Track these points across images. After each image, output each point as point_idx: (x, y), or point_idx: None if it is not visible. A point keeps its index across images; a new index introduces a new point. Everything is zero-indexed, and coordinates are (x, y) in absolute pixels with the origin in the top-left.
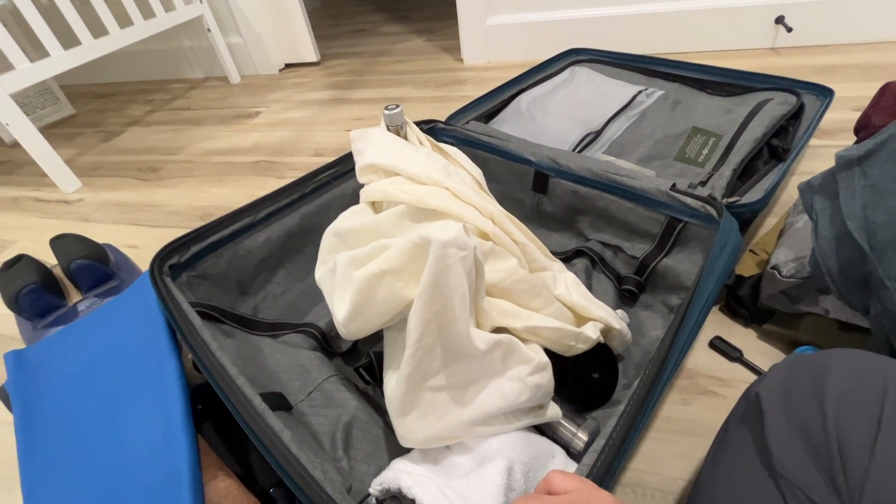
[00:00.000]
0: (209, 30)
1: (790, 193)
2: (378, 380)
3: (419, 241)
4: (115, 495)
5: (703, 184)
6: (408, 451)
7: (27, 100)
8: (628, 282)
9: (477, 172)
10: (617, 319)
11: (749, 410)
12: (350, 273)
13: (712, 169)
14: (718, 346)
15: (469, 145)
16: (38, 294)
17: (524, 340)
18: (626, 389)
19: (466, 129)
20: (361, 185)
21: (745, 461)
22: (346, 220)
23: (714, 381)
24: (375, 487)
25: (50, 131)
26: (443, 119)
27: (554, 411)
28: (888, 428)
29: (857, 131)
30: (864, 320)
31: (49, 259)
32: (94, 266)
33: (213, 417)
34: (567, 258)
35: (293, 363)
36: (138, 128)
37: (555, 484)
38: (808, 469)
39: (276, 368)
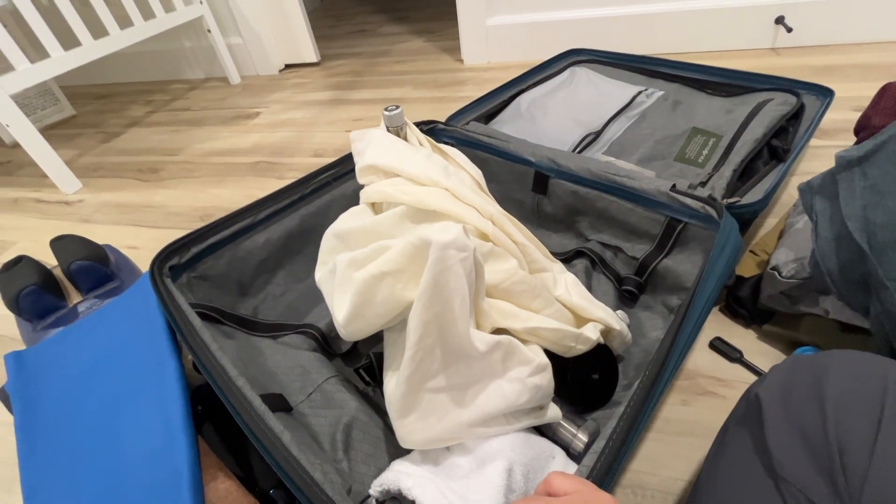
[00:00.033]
0: (209, 30)
1: (790, 194)
2: (378, 381)
3: (419, 242)
4: (115, 496)
5: (703, 184)
6: (408, 452)
7: (27, 100)
8: (628, 282)
9: (477, 173)
10: (617, 320)
11: (749, 411)
12: (350, 274)
13: (712, 169)
14: (718, 346)
15: (469, 146)
16: (39, 295)
17: (524, 341)
18: (626, 390)
19: (466, 130)
20: (361, 186)
21: (744, 462)
22: (346, 221)
23: (714, 381)
24: (375, 489)
25: (50, 132)
26: (443, 120)
27: (554, 412)
28: (888, 429)
29: (857, 132)
30: (864, 321)
31: (49, 260)
32: (94, 267)
33: (214, 418)
34: (567, 259)
35: (293, 364)
36: (138, 128)
37: (555, 485)
38: (807, 470)
39: (276, 369)
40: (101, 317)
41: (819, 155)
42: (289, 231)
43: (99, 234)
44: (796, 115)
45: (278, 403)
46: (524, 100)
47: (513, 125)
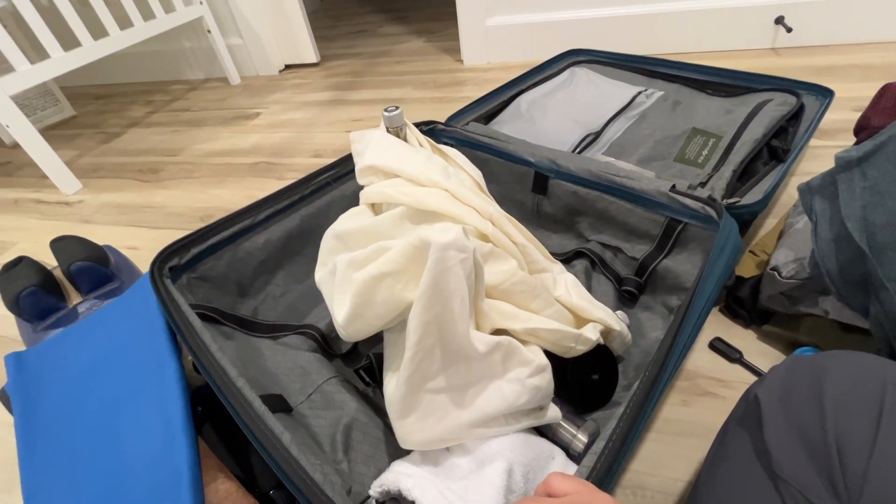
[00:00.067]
0: (209, 31)
1: (790, 194)
2: (378, 381)
3: (418, 243)
4: (114, 497)
5: (702, 185)
6: (408, 452)
7: (27, 101)
8: (628, 283)
9: (476, 174)
10: (617, 321)
11: (748, 412)
12: (350, 275)
13: (712, 170)
14: (718, 347)
15: (469, 146)
16: (39, 296)
17: (524, 342)
18: (626, 391)
19: (466, 131)
20: (361, 187)
21: (744, 463)
22: (346, 221)
23: (714, 382)
24: (375, 489)
25: (50, 133)
26: (442, 120)
27: (554, 413)
28: (887, 429)
29: (856, 132)
30: (864, 321)
31: (49, 261)
32: (94, 268)
33: (214, 419)
34: (567, 259)
35: (293, 365)
36: (138, 129)
37: (554, 486)
38: (806, 471)
39: (275, 370)
40: (101, 317)
41: (819, 155)
42: (289, 232)
43: (99, 235)
44: (796, 116)
45: (278, 404)
46: (524, 100)
47: (513, 126)
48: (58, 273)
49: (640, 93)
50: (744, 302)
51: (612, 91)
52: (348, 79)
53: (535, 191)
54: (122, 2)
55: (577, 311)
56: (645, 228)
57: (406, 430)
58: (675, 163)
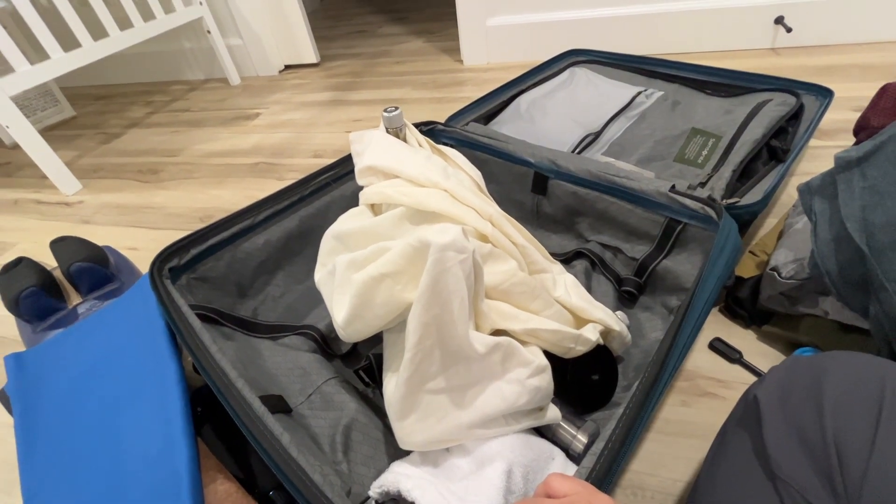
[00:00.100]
0: (209, 31)
1: (790, 194)
2: (378, 382)
3: (418, 244)
4: (114, 498)
5: (702, 185)
6: (407, 453)
7: (27, 102)
8: (628, 283)
9: (476, 174)
10: (616, 321)
11: (747, 413)
12: (349, 276)
13: (712, 170)
14: (718, 347)
15: (468, 147)
16: (38, 297)
17: (523, 343)
18: (626, 391)
19: (466, 131)
20: (361, 188)
21: (743, 464)
22: (346, 222)
23: (714, 382)
24: (375, 490)
25: (50, 133)
26: (442, 120)
27: (553, 413)
28: (886, 430)
29: (856, 132)
30: (863, 322)
31: (49, 261)
32: (94, 269)
33: (213, 420)
34: (566, 260)
35: (293, 365)
36: (138, 129)
37: (554, 487)
38: (805, 472)
39: (275, 371)
40: (101, 318)
41: (818, 155)
42: (288, 232)
43: (99, 236)
44: (796, 116)
45: (278, 405)
46: (524, 100)
47: (512, 126)
48: (58, 274)
49: (639, 93)
50: (743, 302)
51: (612, 91)
52: (348, 79)
53: (535, 191)
54: (122, 2)
55: (577, 311)
56: (645, 229)
57: (405, 431)
58: (675, 163)
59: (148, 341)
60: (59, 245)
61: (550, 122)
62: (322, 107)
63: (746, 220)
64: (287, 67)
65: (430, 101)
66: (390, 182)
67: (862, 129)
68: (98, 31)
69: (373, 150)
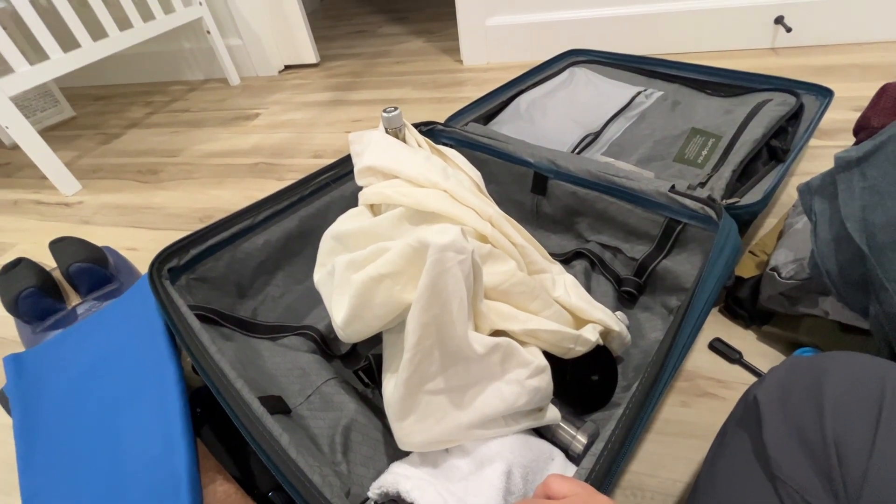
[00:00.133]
0: (209, 32)
1: (790, 194)
2: (377, 382)
3: (417, 244)
4: (113, 499)
5: (702, 185)
6: (407, 454)
7: (27, 102)
8: (627, 283)
9: (475, 174)
10: (616, 321)
11: (747, 413)
12: (348, 276)
13: (711, 170)
14: (718, 347)
15: (468, 147)
16: (38, 297)
17: (523, 343)
18: (626, 391)
19: (465, 131)
20: (360, 188)
21: (743, 465)
22: (345, 222)
23: (714, 382)
24: (374, 491)
25: (50, 133)
26: (442, 120)
27: (553, 414)
28: (886, 431)
29: (856, 132)
30: (864, 322)
31: (48, 262)
32: (93, 269)
33: (213, 421)
34: (566, 260)
35: (292, 366)
36: (138, 130)
37: (553, 488)
38: (805, 472)
39: (275, 371)
40: (101, 319)
41: (818, 155)
42: (288, 232)
43: (98, 236)
44: (796, 116)
45: (277, 405)
46: (523, 100)
47: (512, 126)
48: (57, 274)
49: (639, 93)
50: (743, 302)
51: (612, 91)
52: (348, 79)
53: (535, 191)
54: (122, 3)
55: (577, 311)
56: (644, 229)
57: (405, 432)
58: (675, 163)
59: (147, 342)
60: (59, 245)
61: (550, 122)
62: (322, 107)
63: (746, 220)
64: (287, 68)
65: (430, 102)
66: (389, 182)
67: (862, 129)
68: (97, 32)
69: (372, 150)
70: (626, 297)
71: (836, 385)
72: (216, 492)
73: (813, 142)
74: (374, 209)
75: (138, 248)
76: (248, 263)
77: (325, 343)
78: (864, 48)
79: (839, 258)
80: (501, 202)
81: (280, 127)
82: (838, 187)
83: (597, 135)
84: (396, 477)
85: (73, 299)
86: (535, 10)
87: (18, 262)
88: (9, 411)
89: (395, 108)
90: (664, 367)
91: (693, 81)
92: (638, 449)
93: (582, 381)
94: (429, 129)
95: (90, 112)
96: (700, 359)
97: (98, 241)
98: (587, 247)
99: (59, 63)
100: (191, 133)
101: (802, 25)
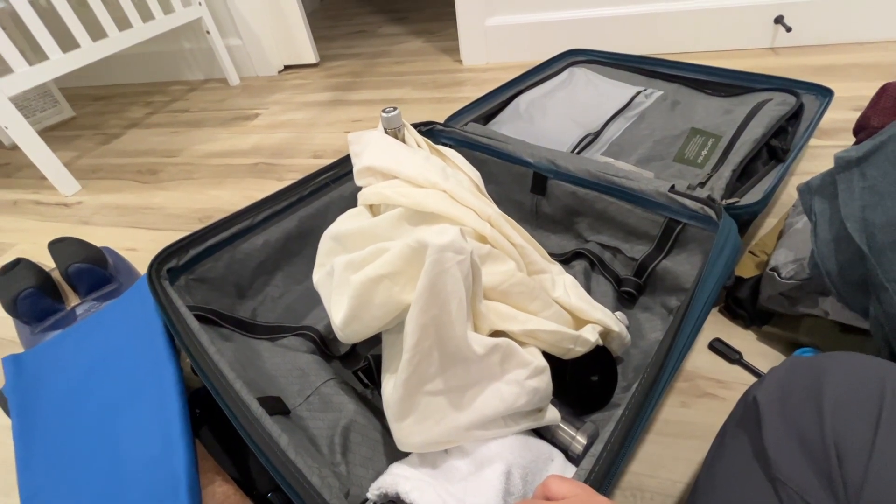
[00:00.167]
0: (208, 32)
1: (790, 194)
2: (377, 383)
3: (416, 245)
4: (112, 500)
5: (701, 185)
6: (406, 455)
7: (26, 102)
8: (627, 283)
9: (475, 175)
10: (616, 322)
11: (747, 414)
12: (347, 277)
13: (711, 170)
14: (718, 348)
15: (467, 147)
16: (36, 298)
17: (522, 344)
18: (626, 392)
19: (465, 131)
20: (360, 188)
21: (742, 466)
22: (344, 223)
23: (713, 383)
24: (373, 492)
25: (49, 134)
26: (441, 120)
27: (552, 415)
28: (886, 432)
29: (855, 132)
30: (864, 322)
31: (48, 262)
32: (92, 270)
33: (212, 422)
34: (566, 260)
35: (291, 367)
36: (137, 130)
37: (552, 489)
38: (805, 474)
39: (274, 372)
40: (100, 320)
41: (818, 155)
42: (287, 233)
43: (98, 236)
44: (795, 115)
45: (276, 406)
46: (523, 100)
47: (512, 126)
48: (56, 275)
49: (639, 93)
50: (743, 302)
51: (611, 91)
52: (348, 79)
53: (534, 191)
54: (121, 3)
55: (576, 312)
56: (644, 229)
57: (404, 433)
58: (675, 163)
59: (146, 343)
60: (58, 246)
61: (549, 122)
62: (321, 107)
63: (746, 220)
64: (286, 68)
65: (430, 102)
66: (389, 183)
67: (862, 129)
68: (97, 32)
69: (371, 150)
70: (625, 298)
71: (835, 386)
72: (215, 493)
73: (813, 141)
74: (374, 209)
75: (138, 248)
76: (248, 264)
77: (324, 343)
78: (864, 48)
79: (839, 258)
80: (501, 202)
81: (280, 127)
82: (838, 187)
83: (596, 135)
84: (395, 478)
85: (72, 300)
86: (535, 10)
87: (17, 263)
88: (7, 412)
89: (395, 109)
90: (664, 368)
91: (693, 81)
92: (638, 449)
93: (581, 381)
94: (428, 129)
95: (90, 112)
96: (700, 359)
97: (97, 241)
98: (587, 247)
99: (59, 63)
100: (190, 133)
101: (802, 25)
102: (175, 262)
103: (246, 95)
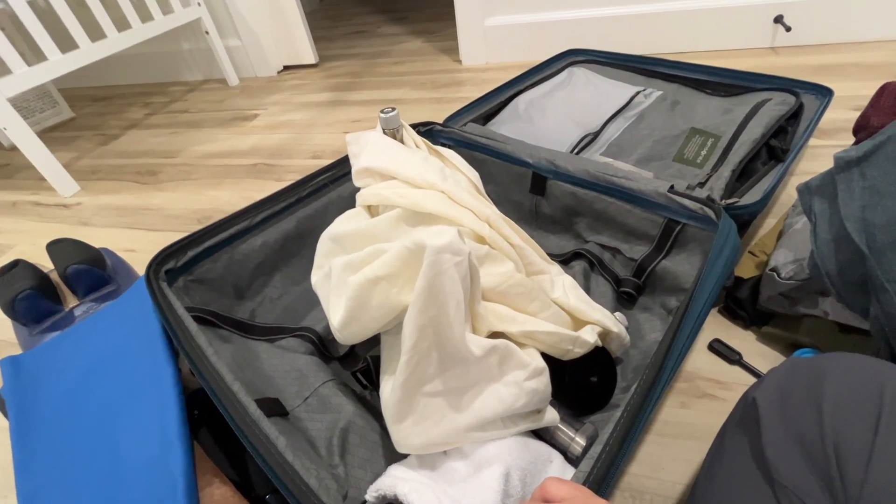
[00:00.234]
0: (207, 32)
1: (789, 194)
2: (375, 384)
3: (413, 246)
4: (110, 501)
5: (701, 185)
6: (405, 456)
7: (26, 103)
8: (627, 284)
9: (473, 175)
10: (615, 322)
11: (746, 416)
12: (345, 278)
13: (711, 170)
14: (717, 348)
15: (466, 147)
16: (35, 299)
17: (521, 345)
18: (625, 393)
19: (464, 131)
20: (358, 189)
21: (742, 468)
22: (343, 224)
23: (713, 384)
24: (371, 494)
25: (48, 135)
26: (441, 121)
27: (551, 416)
28: (885, 433)
29: (855, 132)
30: (864, 322)
31: (46, 264)
32: (90, 271)
33: (210, 423)
34: (565, 260)
35: (290, 368)
36: (137, 131)
37: (550, 491)
38: (805, 476)
39: (272, 373)
40: (98, 321)
41: (818, 155)
42: (286, 234)
43: (97, 237)
44: (795, 115)
45: (274, 408)
46: (522, 100)
47: (511, 126)
48: (54, 276)
49: (638, 93)
50: (743, 303)
51: (611, 91)
52: (347, 79)
53: (533, 192)
54: (120, 3)
55: (575, 313)
56: (643, 229)
57: (402, 434)
58: (674, 163)
59: (144, 344)
60: (56, 247)
61: (549, 123)
62: (321, 107)
63: (746, 220)
64: (286, 68)
65: (429, 102)
66: (387, 183)
67: (861, 129)
68: (96, 33)
69: (369, 151)
70: (625, 298)
71: (835, 387)
72: (213, 495)
73: (812, 141)
74: (372, 210)
75: (137, 249)
76: (246, 265)
77: (323, 345)
78: (863, 47)
79: (839, 258)
80: (500, 203)
81: (279, 127)
82: (838, 187)
83: (596, 135)
84: (394, 480)
85: (71, 301)
86: (534, 10)
87: (15, 264)
88: (5, 414)
89: (393, 109)
90: (663, 369)
91: (692, 81)
92: (637, 450)
93: (581, 382)
94: (427, 130)
95: (89, 113)
96: (699, 360)
97: (97, 242)
98: (586, 247)
99: (58, 64)
100: (189, 134)
101: (802, 24)
102: (173, 264)
103: (245, 96)
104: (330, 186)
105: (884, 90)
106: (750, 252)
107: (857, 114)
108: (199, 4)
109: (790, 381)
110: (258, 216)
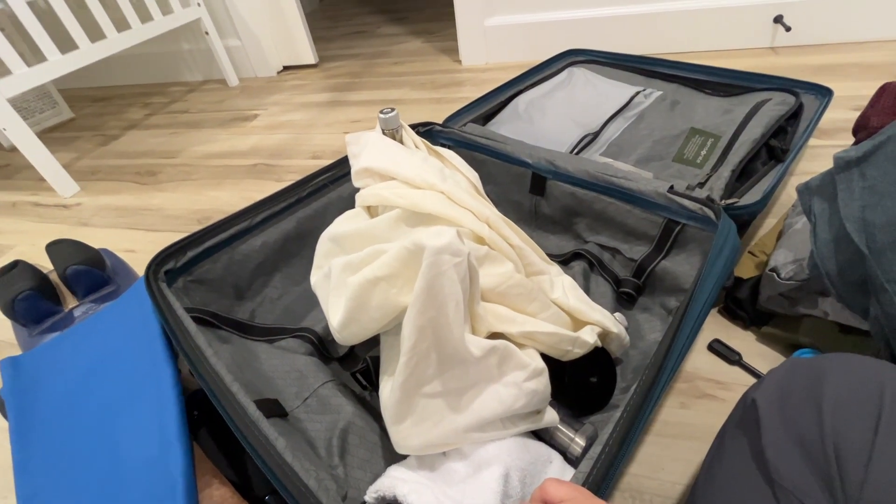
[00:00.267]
0: (207, 33)
1: (789, 194)
2: (375, 385)
3: (413, 247)
4: (109, 502)
5: (701, 185)
6: (404, 457)
7: (25, 104)
8: (626, 284)
9: (473, 176)
10: (615, 323)
11: (746, 416)
12: (344, 279)
13: (710, 170)
14: (717, 348)
15: (466, 147)
16: (34, 300)
17: (520, 346)
18: (625, 393)
19: (463, 132)
20: (358, 189)
21: (741, 469)
22: (342, 224)
23: (713, 384)
24: (371, 495)
25: (48, 135)
26: (440, 121)
27: (551, 416)
28: (885, 434)
29: (855, 132)
30: (863, 323)
31: (46, 264)
32: (90, 272)
33: (210, 424)
34: (565, 261)
35: (289, 368)
36: (136, 131)
37: (550, 492)
38: (805, 477)
39: (272, 374)
40: (97, 322)
41: (818, 155)
42: (286, 234)
43: (97, 238)
44: (795, 115)
45: (273, 409)
46: (522, 101)
47: (511, 126)
48: (53, 277)
49: (638, 93)
50: (743, 303)
51: (611, 91)
52: (347, 80)
53: (533, 192)
54: (120, 4)
55: (575, 313)
56: (643, 229)
57: (402, 435)
58: (674, 163)
59: (144, 345)
60: (55, 248)
61: (549, 123)
62: (320, 108)
63: (745, 220)
64: (285, 68)
65: (429, 102)
66: (387, 184)
67: (861, 129)
68: (95, 33)
69: (369, 151)
70: (624, 298)
71: (835, 387)
72: (212, 496)
73: (812, 141)
74: (371, 211)
75: (137, 249)
76: (246, 265)
77: (322, 345)
78: (863, 47)
79: (839, 259)
80: (499, 203)
81: (279, 128)
82: (837, 187)
83: (595, 135)
84: (393, 480)
85: (70, 302)
86: (534, 10)
87: (15, 265)
88: (5, 415)
89: (392, 109)
90: (663, 369)
91: (692, 81)
92: (637, 451)
93: (580, 383)
94: (426, 130)
95: (89, 113)
96: (699, 360)
97: (96, 242)
98: (586, 248)
99: (57, 65)
100: (189, 134)
101: (802, 24)
102: (173, 264)
103: (245, 96)
104: (330, 187)
105: (883, 90)
106: (750, 252)
107: (857, 114)
108: (198, 5)
109: (790, 381)
110: (258, 216)
